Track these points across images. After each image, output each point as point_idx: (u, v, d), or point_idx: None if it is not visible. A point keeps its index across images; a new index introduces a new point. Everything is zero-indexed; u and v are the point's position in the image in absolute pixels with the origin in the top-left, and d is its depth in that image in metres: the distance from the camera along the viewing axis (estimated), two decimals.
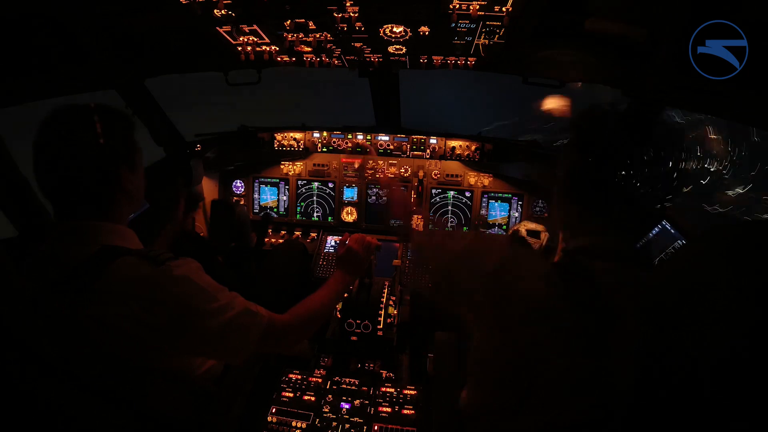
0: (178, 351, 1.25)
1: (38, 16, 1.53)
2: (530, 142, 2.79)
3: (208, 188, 3.32)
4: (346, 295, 2.50)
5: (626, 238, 1.04)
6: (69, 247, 1.18)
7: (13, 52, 1.59)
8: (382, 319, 2.47)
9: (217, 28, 1.69)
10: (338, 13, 1.54)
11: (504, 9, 1.41)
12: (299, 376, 2.28)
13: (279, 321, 1.44)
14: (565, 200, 1.13)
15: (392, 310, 2.60)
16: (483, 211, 3.28)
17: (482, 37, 1.65)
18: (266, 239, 3.39)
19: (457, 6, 1.43)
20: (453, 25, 1.57)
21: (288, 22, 1.64)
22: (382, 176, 3.22)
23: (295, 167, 3.47)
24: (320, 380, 2.23)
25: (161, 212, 2.74)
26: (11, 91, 1.74)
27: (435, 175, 3.31)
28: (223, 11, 1.53)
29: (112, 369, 1.13)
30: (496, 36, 1.63)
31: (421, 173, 3.26)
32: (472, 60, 1.92)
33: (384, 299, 2.54)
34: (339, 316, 2.53)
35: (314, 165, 3.43)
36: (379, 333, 2.46)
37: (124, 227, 1.29)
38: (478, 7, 1.42)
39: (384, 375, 2.40)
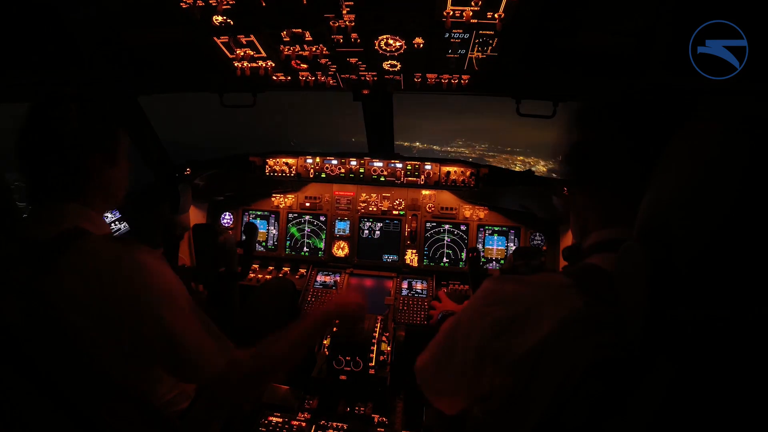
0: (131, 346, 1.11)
1: (42, 11, 1.55)
2: (524, 171, 2.78)
3: (196, 218, 3.20)
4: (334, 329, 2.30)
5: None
6: (37, 227, 1.18)
7: (11, 47, 1.59)
8: (374, 356, 2.27)
9: (215, 38, 1.71)
10: (335, 22, 1.58)
11: (496, 15, 1.45)
12: (280, 420, 2.04)
13: (239, 360, 1.23)
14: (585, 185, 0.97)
15: (385, 347, 2.40)
16: (479, 245, 3.19)
17: (475, 49, 1.69)
18: (251, 274, 3.22)
19: (451, 13, 1.47)
20: (447, 35, 1.60)
21: (284, 33, 1.67)
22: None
23: (286, 200, 3.40)
24: (304, 424, 2.02)
25: (144, 238, 2.60)
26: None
27: (429, 208, 3.25)
28: (221, 18, 1.56)
29: (69, 359, 1.05)
30: (489, 48, 1.66)
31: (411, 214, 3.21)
32: (465, 78, 1.95)
33: (377, 334, 2.35)
34: (327, 352, 2.32)
35: (306, 198, 3.36)
36: (371, 371, 2.24)
37: (96, 213, 1.27)
38: (471, 13, 1.45)
39: (376, 419, 2.17)
